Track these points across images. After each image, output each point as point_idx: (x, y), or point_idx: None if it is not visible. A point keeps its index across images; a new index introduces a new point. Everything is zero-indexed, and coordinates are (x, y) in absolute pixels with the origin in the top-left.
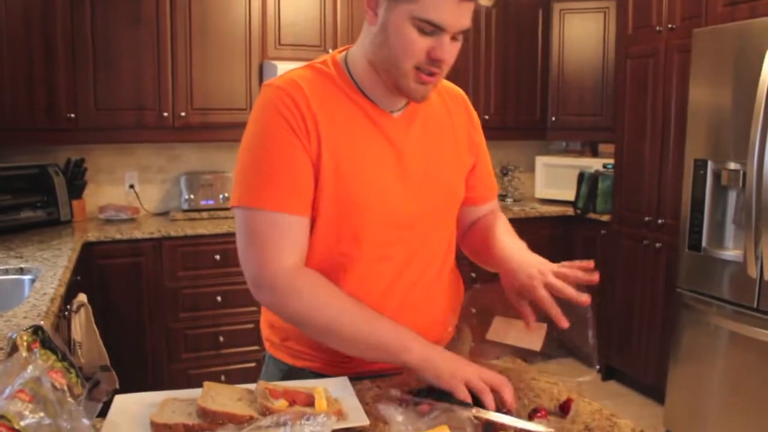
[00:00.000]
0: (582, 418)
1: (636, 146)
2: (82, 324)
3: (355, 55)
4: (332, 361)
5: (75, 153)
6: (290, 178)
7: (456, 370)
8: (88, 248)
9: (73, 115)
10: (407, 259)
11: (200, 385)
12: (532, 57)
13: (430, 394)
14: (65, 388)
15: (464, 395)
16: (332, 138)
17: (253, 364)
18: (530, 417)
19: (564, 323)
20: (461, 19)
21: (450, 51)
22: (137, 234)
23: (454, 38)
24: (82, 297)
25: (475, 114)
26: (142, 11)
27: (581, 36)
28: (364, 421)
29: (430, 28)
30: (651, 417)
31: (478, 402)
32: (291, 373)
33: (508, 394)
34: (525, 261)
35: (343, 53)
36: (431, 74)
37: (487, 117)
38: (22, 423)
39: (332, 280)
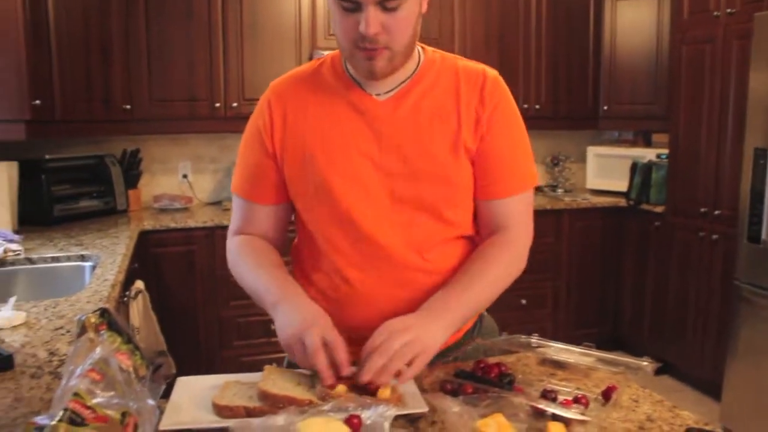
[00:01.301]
0: (643, 408)
1: (692, 135)
2: (139, 310)
3: None
4: None
5: (130, 144)
6: (253, 172)
7: (284, 336)
8: (143, 236)
9: (128, 107)
10: (399, 244)
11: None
12: (584, 45)
13: (473, 375)
14: (131, 369)
15: (298, 361)
16: (304, 132)
17: None
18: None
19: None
20: None
21: (381, 24)
22: (191, 223)
23: (385, 9)
24: (140, 284)
25: (494, 96)
26: (194, 5)
27: (634, 22)
28: (423, 408)
29: (349, 5)
30: (707, 413)
31: None
32: None
33: (341, 353)
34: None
35: None
36: (374, 49)
37: (537, 107)
38: (94, 401)
39: (325, 261)
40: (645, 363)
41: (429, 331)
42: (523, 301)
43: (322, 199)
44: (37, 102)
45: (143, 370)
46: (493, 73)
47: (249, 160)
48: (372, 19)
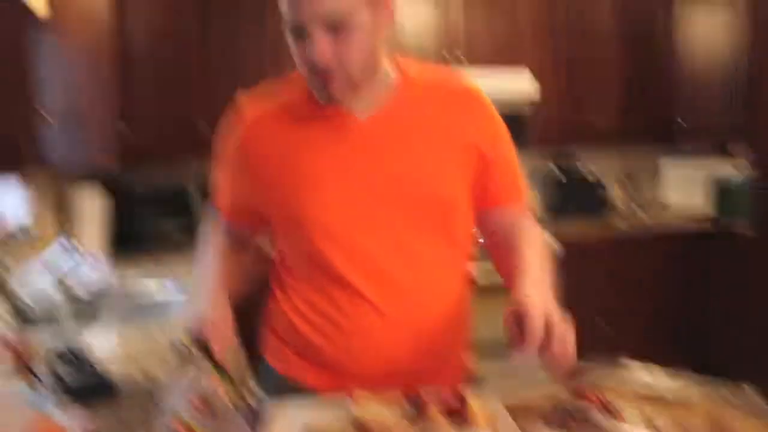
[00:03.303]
0: None
1: None
2: None
3: None
4: (322, 375)
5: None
6: (228, 190)
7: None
8: None
9: (207, 128)
10: (402, 273)
11: None
12: (656, 56)
13: (569, 403)
14: (226, 397)
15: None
16: (285, 161)
17: None
18: None
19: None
20: (314, 6)
21: (330, 49)
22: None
23: (332, 31)
24: None
25: (487, 116)
26: (267, 28)
27: (709, 31)
28: None
29: (297, 30)
30: None
31: None
32: (283, 384)
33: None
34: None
35: None
36: (328, 73)
37: (609, 122)
38: (197, 427)
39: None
40: (747, 391)
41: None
42: (604, 326)
43: (304, 230)
44: (127, 133)
45: (235, 399)
46: (476, 88)
47: (227, 179)
48: (320, 43)
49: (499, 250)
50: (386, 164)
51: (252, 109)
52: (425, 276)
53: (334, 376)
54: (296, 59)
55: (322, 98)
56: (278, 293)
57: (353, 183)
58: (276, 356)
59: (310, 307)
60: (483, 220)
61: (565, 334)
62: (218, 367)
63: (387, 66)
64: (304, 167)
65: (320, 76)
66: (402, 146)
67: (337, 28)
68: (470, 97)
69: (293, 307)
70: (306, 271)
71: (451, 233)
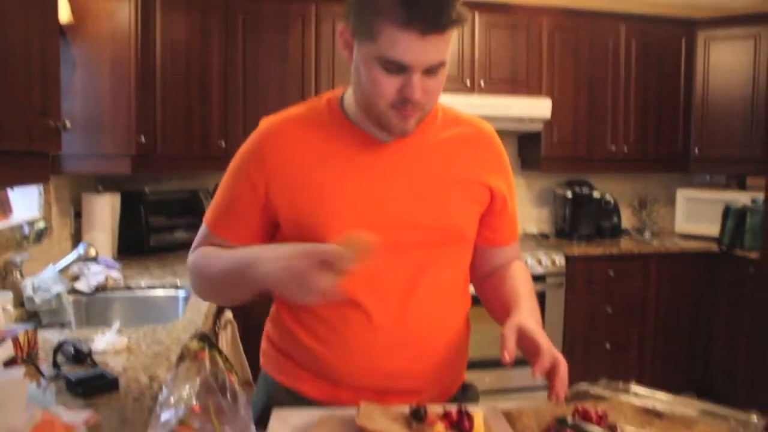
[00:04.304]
0: None
1: None
2: (228, 340)
3: (348, 93)
4: (321, 386)
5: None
6: (231, 210)
7: (298, 289)
8: None
9: (223, 144)
10: (388, 293)
11: None
12: (674, 86)
13: (575, 424)
14: (236, 387)
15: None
16: (304, 176)
17: None
18: None
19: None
20: (427, 54)
21: (423, 88)
22: None
23: (428, 73)
24: (229, 314)
25: (502, 155)
26: (289, 48)
27: (728, 64)
28: None
29: (396, 67)
30: None
31: None
32: (282, 395)
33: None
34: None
35: (343, 91)
36: (413, 110)
37: (625, 149)
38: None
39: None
40: (754, 419)
41: None
42: (608, 346)
43: (321, 242)
44: (142, 138)
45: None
46: (491, 130)
47: (230, 197)
48: (420, 83)
49: (491, 284)
50: (401, 187)
51: (273, 120)
52: (429, 295)
53: (333, 388)
54: (377, 91)
55: (394, 132)
56: (280, 304)
57: (367, 200)
58: (276, 367)
59: (313, 318)
60: (481, 256)
61: (565, 369)
62: (223, 357)
63: None
64: (322, 177)
65: (403, 110)
66: (417, 172)
67: (432, 72)
68: (487, 137)
69: (295, 317)
70: None
71: (455, 259)
